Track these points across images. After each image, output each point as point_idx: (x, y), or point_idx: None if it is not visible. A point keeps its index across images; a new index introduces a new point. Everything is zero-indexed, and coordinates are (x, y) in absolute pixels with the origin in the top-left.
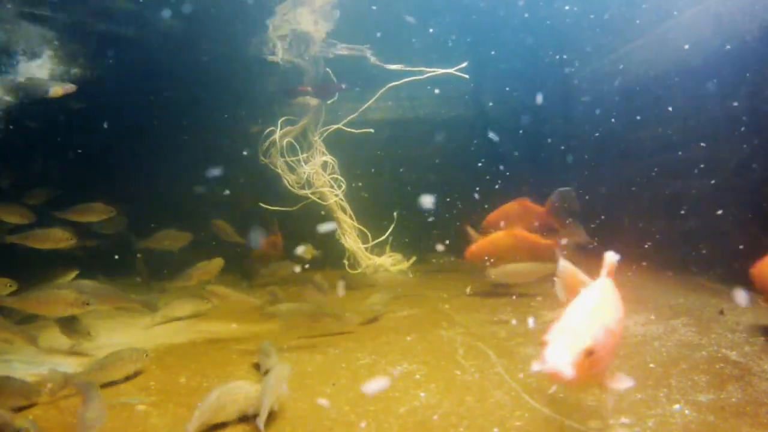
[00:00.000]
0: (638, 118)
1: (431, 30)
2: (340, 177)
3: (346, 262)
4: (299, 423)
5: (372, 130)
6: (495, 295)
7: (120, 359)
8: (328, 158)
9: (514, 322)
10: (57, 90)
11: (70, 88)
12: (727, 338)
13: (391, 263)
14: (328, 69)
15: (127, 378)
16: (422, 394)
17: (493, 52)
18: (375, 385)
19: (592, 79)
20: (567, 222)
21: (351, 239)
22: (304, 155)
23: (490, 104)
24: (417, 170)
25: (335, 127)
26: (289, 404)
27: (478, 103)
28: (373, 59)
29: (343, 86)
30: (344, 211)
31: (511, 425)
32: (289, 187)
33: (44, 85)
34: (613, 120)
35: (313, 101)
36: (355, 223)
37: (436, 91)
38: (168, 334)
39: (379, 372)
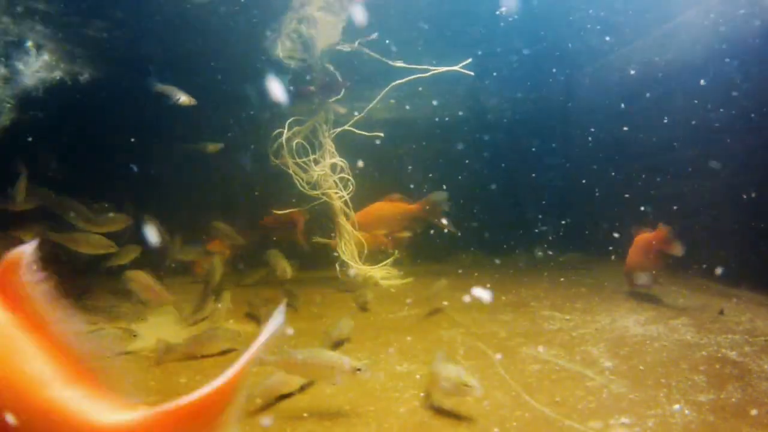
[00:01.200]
0: (638, 118)
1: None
2: (350, 178)
3: (338, 266)
4: (299, 423)
5: (382, 134)
6: (495, 296)
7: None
8: (338, 160)
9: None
10: (185, 99)
11: (193, 100)
12: (727, 338)
13: (381, 276)
14: (330, 66)
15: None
16: (422, 394)
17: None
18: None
19: (591, 79)
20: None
21: (347, 248)
22: (314, 156)
23: (490, 104)
24: (417, 170)
25: (344, 128)
26: (289, 404)
27: (478, 102)
28: (371, 53)
29: (348, 83)
30: (347, 216)
31: (511, 425)
32: (301, 188)
33: (176, 94)
34: (612, 120)
35: (341, 110)
36: (355, 231)
37: (434, 102)
38: (168, 334)
39: (379, 372)
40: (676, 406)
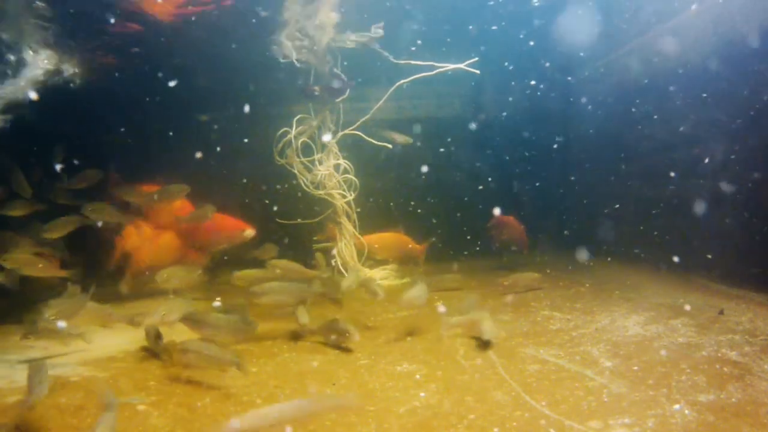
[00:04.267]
0: (638, 118)
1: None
2: (355, 179)
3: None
4: (299, 423)
5: (391, 146)
6: (495, 295)
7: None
8: (342, 161)
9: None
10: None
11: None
12: (727, 338)
13: (380, 277)
14: (335, 68)
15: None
16: (422, 394)
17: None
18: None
19: (591, 80)
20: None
21: (347, 249)
22: (319, 156)
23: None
24: (417, 170)
25: (348, 130)
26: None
27: (478, 103)
28: (380, 49)
29: (352, 83)
30: (348, 217)
31: (511, 425)
32: (305, 188)
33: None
34: (612, 120)
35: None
36: (356, 232)
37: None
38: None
39: (379, 372)
40: (676, 406)
